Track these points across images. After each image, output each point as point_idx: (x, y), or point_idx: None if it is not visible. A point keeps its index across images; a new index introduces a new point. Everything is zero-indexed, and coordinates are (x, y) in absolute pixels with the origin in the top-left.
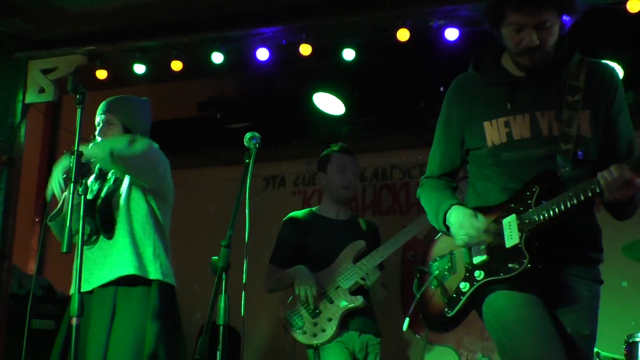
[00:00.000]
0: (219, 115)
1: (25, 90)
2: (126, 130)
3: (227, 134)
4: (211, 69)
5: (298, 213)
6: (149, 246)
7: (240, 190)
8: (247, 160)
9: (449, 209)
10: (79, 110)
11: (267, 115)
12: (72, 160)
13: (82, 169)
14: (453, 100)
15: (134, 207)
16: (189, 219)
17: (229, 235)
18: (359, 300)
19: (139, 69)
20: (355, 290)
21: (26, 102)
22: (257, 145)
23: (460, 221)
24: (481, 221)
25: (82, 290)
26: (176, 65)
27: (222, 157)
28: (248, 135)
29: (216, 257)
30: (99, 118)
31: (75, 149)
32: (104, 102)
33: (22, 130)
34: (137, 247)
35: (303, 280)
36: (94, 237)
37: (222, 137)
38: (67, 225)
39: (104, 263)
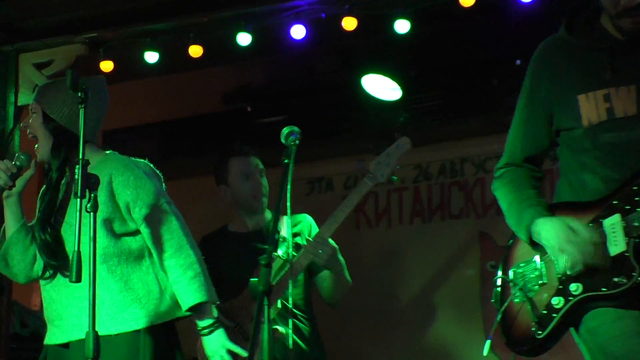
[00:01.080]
0: (249, 108)
1: (17, 90)
2: (46, 119)
3: (259, 130)
4: (237, 53)
5: (212, 232)
6: (132, 288)
7: (279, 198)
8: (285, 161)
9: (533, 223)
10: (81, 111)
11: (307, 106)
12: (77, 170)
13: (89, 181)
14: (540, 68)
15: (106, 232)
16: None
17: (269, 251)
18: (279, 331)
19: (151, 57)
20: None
21: (19, 104)
22: (297, 141)
23: (559, 244)
24: (583, 233)
25: (54, 342)
26: (195, 51)
27: None
28: (285, 130)
29: (255, 279)
30: (31, 106)
31: (80, 157)
32: (38, 87)
33: (16, 139)
34: (112, 292)
35: None
36: (49, 272)
37: (254, 134)
38: (75, 248)
39: (80, 308)
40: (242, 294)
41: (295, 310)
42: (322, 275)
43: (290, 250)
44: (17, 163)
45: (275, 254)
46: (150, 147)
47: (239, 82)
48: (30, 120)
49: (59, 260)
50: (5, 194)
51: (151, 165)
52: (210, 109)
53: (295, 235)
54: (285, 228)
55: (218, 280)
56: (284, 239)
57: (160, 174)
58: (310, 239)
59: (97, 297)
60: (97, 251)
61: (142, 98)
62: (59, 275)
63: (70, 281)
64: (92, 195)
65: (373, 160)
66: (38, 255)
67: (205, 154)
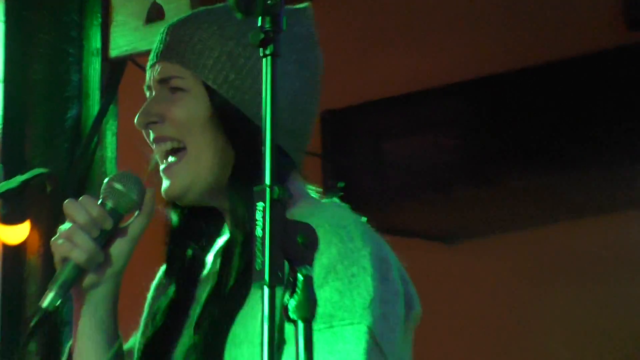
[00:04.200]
0: None
1: (106, 22)
2: (215, 99)
3: None
4: None
5: None
6: None
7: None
8: None
9: None
10: (266, 65)
11: None
12: (258, 211)
13: (292, 240)
14: None
15: None
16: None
17: None
18: None
19: None
20: None
21: (112, 54)
22: None
23: None
24: None
25: None
26: None
27: None
28: None
29: None
30: (148, 73)
31: (267, 180)
32: (165, 27)
33: (110, 142)
34: None
35: None
36: None
37: None
38: None
39: None
40: None
41: None
42: None
43: None
44: (110, 205)
45: None
46: (444, 149)
47: None
48: (162, 107)
49: None
50: (87, 280)
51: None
52: (600, 43)
53: None
54: None
55: None
56: None
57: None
58: None
59: None
60: None
61: (410, 27)
62: None
63: None
64: (304, 275)
65: None
66: None
67: (597, 134)
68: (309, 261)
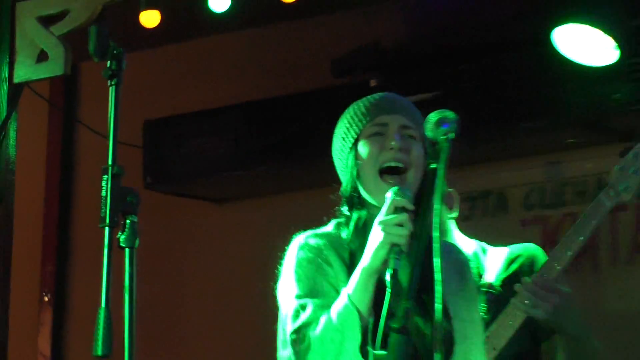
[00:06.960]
0: (373, 82)
1: (12, 59)
2: (425, 154)
3: None
4: None
5: None
6: None
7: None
8: (432, 165)
9: None
10: (112, 91)
11: (467, 77)
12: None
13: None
14: None
15: None
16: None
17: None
18: None
19: (218, 4)
20: None
21: (15, 80)
22: (453, 134)
23: None
24: None
25: None
26: None
27: None
28: (434, 116)
29: (382, 352)
30: (386, 117)
31: (111, 155)
32: (384, 98)
33: (12, 135)
34: None
35: None
36: None
37: None
38: None
39: None
40: None
41: None
42: (553, 342)
43: None
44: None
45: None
46: (224, 147)
47: (358, 41)
48: (409, 146)
49: None
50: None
51: None
52: (314, 84)
53: (511, 278)
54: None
55: None
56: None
57: None
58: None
59: None
60: None
61: (205, 68)
62: None
63: None
64: (131, 220)
65: (615, 167)
66: None
67: (310, 154)
68: (134, 212)
